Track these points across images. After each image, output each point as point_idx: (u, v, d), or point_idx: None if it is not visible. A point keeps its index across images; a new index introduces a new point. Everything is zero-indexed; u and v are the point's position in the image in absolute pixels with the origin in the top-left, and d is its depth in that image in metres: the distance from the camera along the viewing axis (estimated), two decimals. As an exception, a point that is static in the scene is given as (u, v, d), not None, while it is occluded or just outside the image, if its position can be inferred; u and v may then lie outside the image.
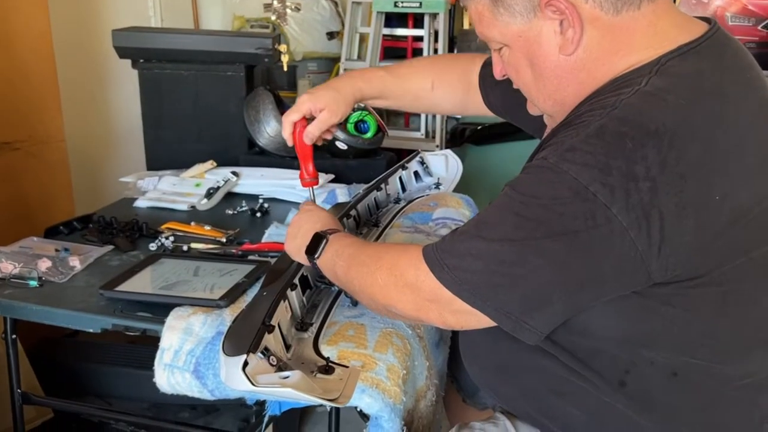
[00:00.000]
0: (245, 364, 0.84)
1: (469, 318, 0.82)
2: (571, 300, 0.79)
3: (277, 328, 0.95)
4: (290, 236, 1.11)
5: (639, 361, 0.83)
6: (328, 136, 1.24)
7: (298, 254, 1.08)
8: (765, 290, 0.81)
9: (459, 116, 3.35)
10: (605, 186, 0.72)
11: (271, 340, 0.92)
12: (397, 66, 1.33)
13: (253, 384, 0.82)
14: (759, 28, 2.85)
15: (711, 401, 0.85)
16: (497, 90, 1.19)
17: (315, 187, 1.25)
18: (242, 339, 0.89)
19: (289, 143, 1.20)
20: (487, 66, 1.22)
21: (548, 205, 0.75)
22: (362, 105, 1.88)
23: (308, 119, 1.19)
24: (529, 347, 0.87)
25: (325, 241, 1.02)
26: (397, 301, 0.88)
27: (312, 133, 1.18)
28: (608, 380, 0.85)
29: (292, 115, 1.18)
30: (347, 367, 0.95)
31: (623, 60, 0.81)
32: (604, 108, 0.76)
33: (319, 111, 1.17)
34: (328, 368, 0.93)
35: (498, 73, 0.94)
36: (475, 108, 1.27)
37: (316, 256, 1.02)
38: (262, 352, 0.87)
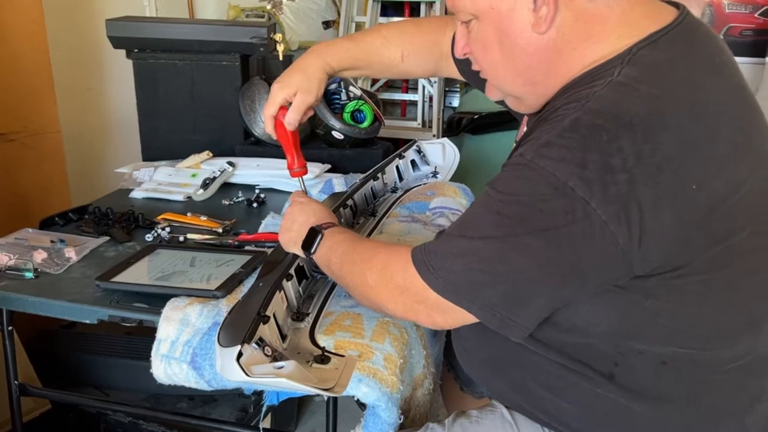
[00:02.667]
0: (239, 354, 0.84)
1: (457, 317, 0.83)
2: (554, 295, 0.79)
3: (272, 319, 0.95)
4: (284, 228, 1.11)
5: (627, 353, 0.83)
6: (310, 113, 1.23)
7: (293, 246, 1.09)
8: (745, 275, 0.81)
9: (455, 105, 3.34)
10: (582, 180, 0.71)
11: (266, 331, 0.92)
12: (364, 35, 1.31)
13: (247, 374, 0.82)
14: (756, 15, 2.84)
15: (701, 386, 0.85)
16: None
17: (306, 176, 1.25)
18: (237, 330, 0.89)
19: (273, 137, 1.20)
20: None
21: (527, 202, 0.75)
22: (359, 95, 1.88)
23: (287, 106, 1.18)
24: (518, 342, 0.87)
25: (320, 236, 1.02)
26: (387, 302, 0.90)
27: (292, 118, 1.17)
28: (598, 372, 0.85)
29: (270, 110, 1.17)
30: (343, 356, 0.95)
31: (595, 47, 0.80)
32: (578, 101, 0.77)
33: (293, 96, 1.17)
34: (323, 358, 0.93)
35: (460, 51, 0.91)
36: (448, 74, 1.26)
37: (312, 251, 1.03)
38: (256, 343, 0.87)
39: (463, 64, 1.20)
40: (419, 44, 1.23)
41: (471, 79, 1.23)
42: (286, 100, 1.17)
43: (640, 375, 0.84)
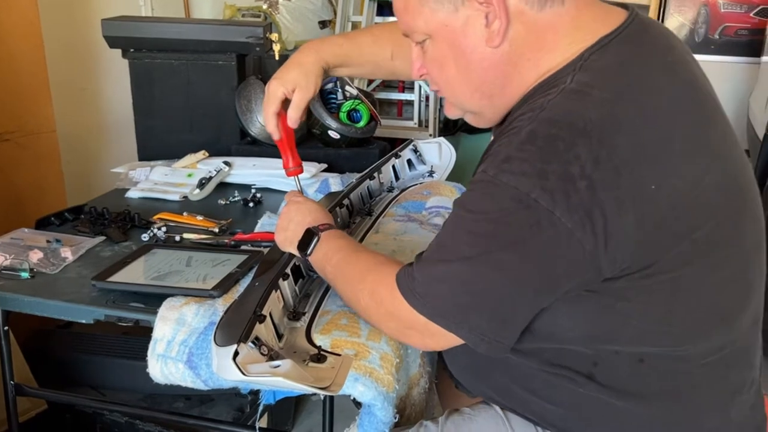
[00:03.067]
0: (236, 353, 0.84)
1: (447, 339, 0.83)
2: (532, 306, 0.81)
3: (268, 318, 0.95)
4: (280, 228, 1.11)
5: (604, 354, 0.84)
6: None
7: (289, 246, 1.09)
8: (711, 271, 0.82)
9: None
10: (545, 191, 0.72)
11: (263, 330, 0.92)
12: (357, 34, 1.33)
13: (243, 374, 0.82)
14: (751, 14, 2.85)
15: (681, 381, 0.86)
16: None
17: (302, 176, 1.25)
18: (233, 329, 0.89)
19: (276, 136, 1.19)
20: None
21: (495, 218, 0.76)
22: (355, 94, 1.88)
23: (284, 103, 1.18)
24: None
25: (316, 238, 1.03)
26: (379, 324, 0.93)
27: (294, 115, 1.17)
28: (578, 373, 0.86)
29: (272, 107, 1.16)
30: (340, 355, 0.95)
31: (549, 56, 0.81)
32: (533, 111, 0.77)
33: (291, 92, 1.16)
34: (320, 357, 0.93)
35: (416, 72, 0.92)
36: None
37: (307, 253, 1.03)
38: (253, 342, 0.87)
39: None
40: (407, 44, 1.23)
41: None
42: (284, 96, 1.17)
43: (620, 373, 0.85)
